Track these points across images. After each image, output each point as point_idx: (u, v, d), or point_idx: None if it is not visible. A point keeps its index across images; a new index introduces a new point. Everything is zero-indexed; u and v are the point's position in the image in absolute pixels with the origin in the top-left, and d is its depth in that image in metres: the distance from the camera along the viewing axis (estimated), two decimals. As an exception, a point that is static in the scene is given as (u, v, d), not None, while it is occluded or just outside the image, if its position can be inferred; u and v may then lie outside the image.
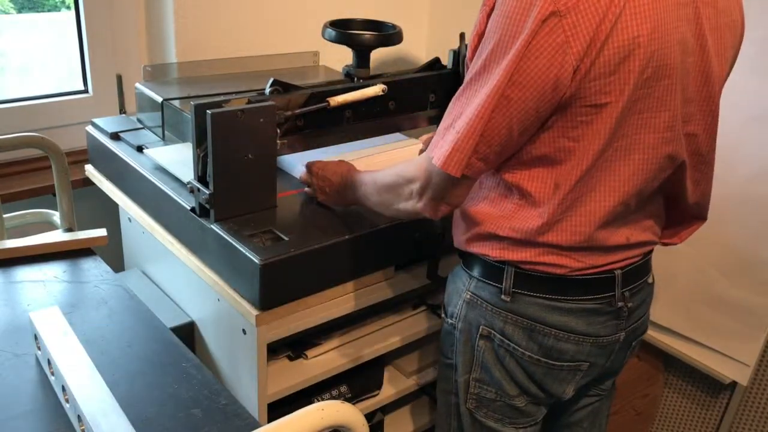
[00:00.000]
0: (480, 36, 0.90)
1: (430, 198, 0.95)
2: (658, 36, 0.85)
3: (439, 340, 1.15)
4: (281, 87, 1.20)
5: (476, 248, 1.02)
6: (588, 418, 1.22)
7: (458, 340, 1.08)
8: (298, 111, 1.20)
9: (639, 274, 1.05)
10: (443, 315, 1.13)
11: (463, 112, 0.89)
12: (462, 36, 1.40)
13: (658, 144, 0.93)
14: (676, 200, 1.05)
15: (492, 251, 1.00)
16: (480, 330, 1.05)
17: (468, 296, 1.06)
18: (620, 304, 1.02)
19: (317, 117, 1.24)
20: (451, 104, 0.92)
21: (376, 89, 1.29)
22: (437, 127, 0.95)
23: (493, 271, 1.02)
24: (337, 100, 1.24)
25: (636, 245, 1.02)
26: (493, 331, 1.03)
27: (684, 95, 0.92)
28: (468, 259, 1.06)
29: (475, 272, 1.04)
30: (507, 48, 0.84)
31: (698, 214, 1.10)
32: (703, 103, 0.96)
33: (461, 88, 0.91)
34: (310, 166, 1.23)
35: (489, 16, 0.89)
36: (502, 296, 1.01)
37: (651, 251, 1.08)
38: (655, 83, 0.88)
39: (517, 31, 0.83)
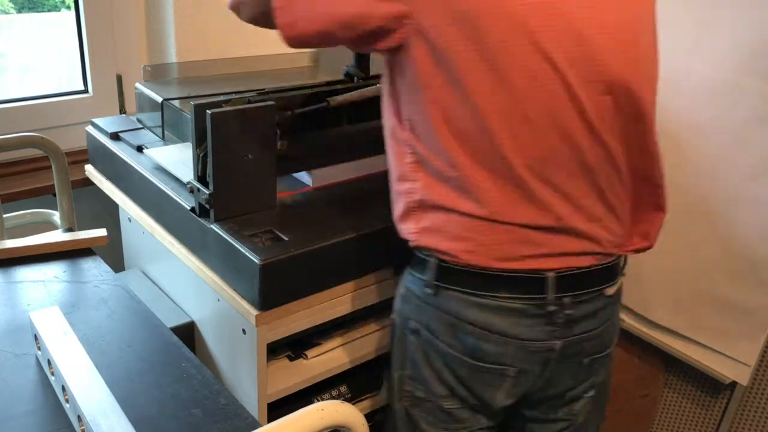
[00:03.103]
0: None
1: None
2: None
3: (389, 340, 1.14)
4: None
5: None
6: None
7: (395, 336, 1.08)
8: (298, 111, 1.20)
9: (587, 282, 0.98)
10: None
11: None
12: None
13: None
14: None
15: None
16: (410, 324, 1.03)
17: (402, 290, 1.05)
18: (552, 308, 0.96)
19: (317, 117, 1.24)
20: None
21: (375, 90, 1.29)
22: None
23: (420, 263, 1.00)
24: (337, 99, 1.24)
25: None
26: (421, 327, 1.01)
27: None
28: (405, 249, 1.03)
29: (407, 263, 1.03)
30: None
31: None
32: None
33: None
34: None
35: None
36: (426, 289, 0.99)
37: (611, 261, 1.00)
38: None
39: None
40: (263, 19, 0.98)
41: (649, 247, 1.06)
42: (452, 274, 0.96)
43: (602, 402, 1.15)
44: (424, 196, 0.96)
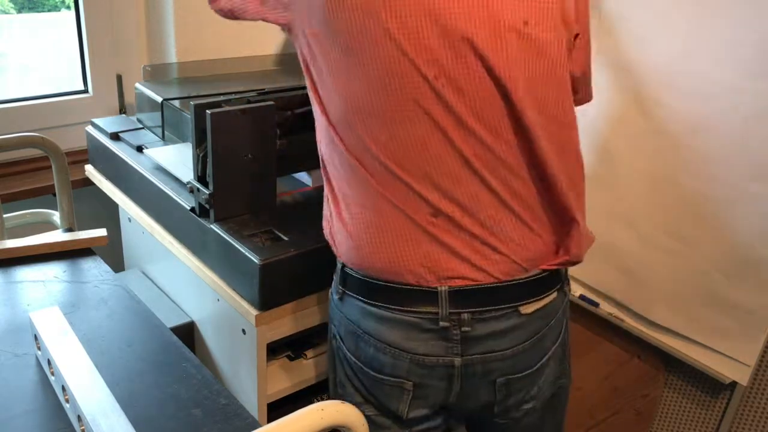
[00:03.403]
0: None
1: None
2: None
3: None
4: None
5: None
6: None
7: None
8: (298, 111, 1.20)
9: (490, 298, 0.92)
10: None
11: None
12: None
13: None
14: None
15: None
16: (331, 329, 1.03)
17: (329, 296, 1.05)
18: (445, 323, 0.91)
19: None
20: None
21: None
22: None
23: (335, 268, 1.00)
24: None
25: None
26: (336, 332, 1.01)
27: None
28: None
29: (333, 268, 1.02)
30: None
31: None
32: None
33: None
34: None
35: None
36: (335, 295, 1.00)
37: (527, 276, 0.94)
38: None
39: None
40: None
41: (574, 262, 0.96)
42: (352, 281, 0.95)
43: (556, 413, 1.09)
44: (329, 183, 0.97)
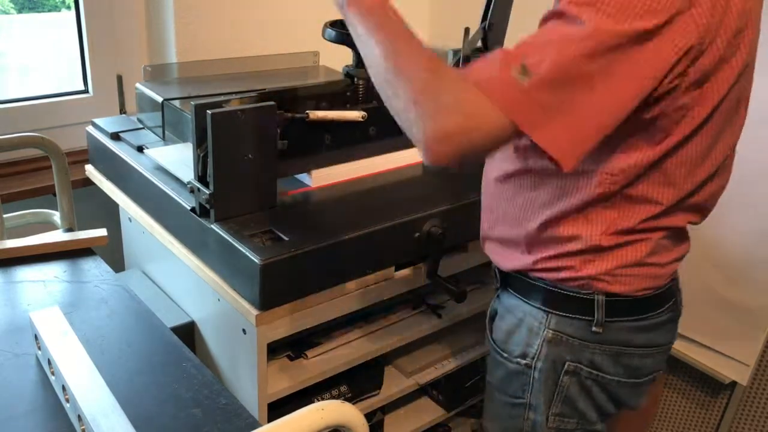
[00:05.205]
0: None
1: None
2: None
3: (500, 382, 1.08)
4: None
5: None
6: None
7: (536, 379, 1.02)
8: (298, 111, 1.20)
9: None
10: (502, 355, 1.06)
11: None
12: (467, 31, 1.39)
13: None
14: None
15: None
16: (566, 366, 1.01)
17: (549, 335, 0.99)
18: (680, 307, 1.05)
19: (297, 135, 1.23)
20: None
21: (355, 115, 1.26)
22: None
23: (580, 304, 0.98)
24: (317, 114, 1.22)
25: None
26: (580, 365, 1.00)
27: None
28: (535, 292, 1.01)
29: (551, 307, 0.99)
30: None
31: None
32: None
33: None
34: None
35: None
36: (594, 328, 0.98)
37: None
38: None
39: None
40: None
41: None
42: (620, 307, 0.98)
43: None
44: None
